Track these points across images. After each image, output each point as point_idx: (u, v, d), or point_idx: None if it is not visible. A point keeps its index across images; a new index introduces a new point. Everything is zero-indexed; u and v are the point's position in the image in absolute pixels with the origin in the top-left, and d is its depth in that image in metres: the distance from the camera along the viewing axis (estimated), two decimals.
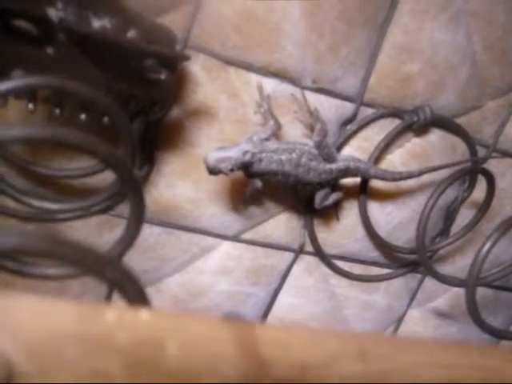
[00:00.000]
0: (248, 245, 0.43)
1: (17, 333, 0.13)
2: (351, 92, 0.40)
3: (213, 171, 0.35)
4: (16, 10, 0.26)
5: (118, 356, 0.14)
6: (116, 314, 0.14)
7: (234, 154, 0.36)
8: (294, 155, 0.37)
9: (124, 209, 0.39)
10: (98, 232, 0.39)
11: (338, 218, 0.44)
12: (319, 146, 0.38)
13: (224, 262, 0.43)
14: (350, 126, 0.41)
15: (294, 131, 0.40)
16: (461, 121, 0.44)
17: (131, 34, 0.29)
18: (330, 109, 0.40)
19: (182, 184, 0.40)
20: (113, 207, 0.37)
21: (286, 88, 0.38)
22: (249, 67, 0.37)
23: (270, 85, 0.38)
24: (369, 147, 0.42)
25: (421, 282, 0.51)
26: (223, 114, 0.38)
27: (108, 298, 0.41)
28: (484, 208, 0.46)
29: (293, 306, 0.47)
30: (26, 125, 0.23)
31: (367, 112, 0.41)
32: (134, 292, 0.17)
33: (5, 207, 0.34)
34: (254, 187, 0.39)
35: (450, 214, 0.48)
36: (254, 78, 0.38)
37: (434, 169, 0.42)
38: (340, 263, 0.46)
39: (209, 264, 0.43)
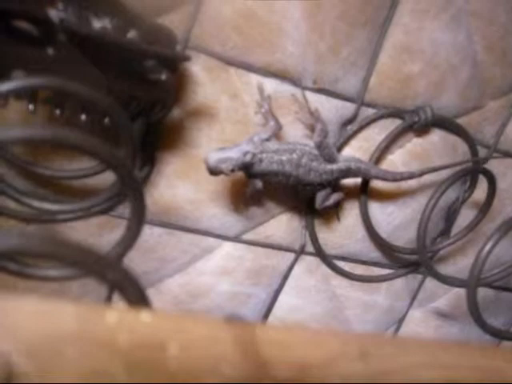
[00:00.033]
0: (249, 245, 0.43)
1: (17, 333, 0.13)
2: (352, 92, 0.40)
3: (213, 172, 0.35)
4: (17, 11, 0.26)
5: (118, 357, 0.14)
6: (117, 315, 0.14)
7: (234, 154, 0.36)
8: (295, 156, 0.37)
9: (124, 209, 0.39)
10: (99, 233, 0.39)
11: (338, 219, 0.44)
12: (320, 146, 0.38)
13: (225, 263, 0.43)
14: (351, 127, 0.41)
15: (295, 132, 0.40)
16: (462, 121, 0.44)
17: (131, 34, 0.29)
18: (331, 109, 0.40)
19: (182, 185, 0.40)
20: (113, 208, 0.37)
21: (287, 88, 0.38)
22: (249, 67, 0.37)
23: (270, 85, 0.38)
24: (369, 147, 0.42)
25: (422, 283, 0.51)
26: (224, 115, 0.38)
27: (108, 299, 0.41)
28: (485, 208, 0.45)
29: (294, 307, 0.47)
30: (27, 125, 0.23)
31: (368, 112, 0.41)
32: (135, 293, 0.17)
33: (5, 208, 0.34)
34: (255, 188, 0.39)
35: (450, 215, 0.48)
36: (255, 78, 0.38)
37: (435, 169, 0.42)
38: (341, 264, 0.46)
39: (209, 265, 0.43)
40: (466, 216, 0.48)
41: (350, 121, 0.41)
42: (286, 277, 0.45)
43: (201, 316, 0.15)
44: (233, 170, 0.35)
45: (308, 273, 0.46)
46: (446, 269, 0.50)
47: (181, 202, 0.40)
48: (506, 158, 0.47)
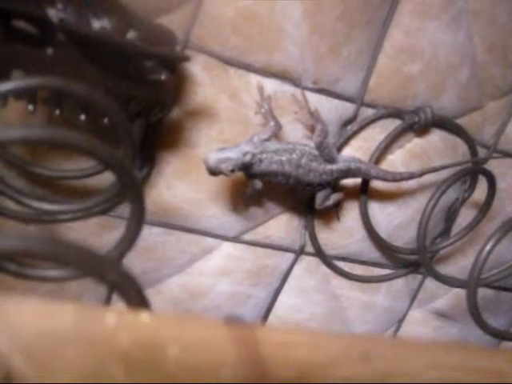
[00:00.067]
0: (248, 246, 0.43)
1: (16, 334, 0.13)
2: (352, 92, 0.40)
3: (213, 172, 0.35)
4: (16, 11, 0.26)
5: (118, 358, 0.14)
6: (116, 317, 0.14)
7: (234, 154, 0.35)
8: (295, 156, 0.37)
9: (124, 210, 0.38)
10: (98, 233, 0.39)
11: (338, 219, 0.44)
12: (320, 146, 0.38)
13: (224, 263, 0.43)
14: (351, 127, 0.41)
15: (295, 132, 0.40)
16: (462, 121, 0.44)
17: (131, 34, 0.29)
18: (331, 109, 0.40)
19: (182, 185, 0.39)
20: (113, 208, 0.37)
21: (287, 89, 0.38)
22: (249, 68, 0.37)
23: (270, 85, 0.38)
24: (369, 148, 0.42)
25: (422, 283, 0.51)
26: (223, 115, 0.38)
27: (108, 299, 0.41)
28: (485, 208, 0.45)
29: (293, 307, 0.47)
30: (26, 125, 0.23)
31: (368, 112, 0.41)
32: (134, 294, 0.17)
33: (4, 208, 0.34)
34: (255, 188, 0.39)
35: (450, 215, 0.48)
36: (255, 78, 0.38)
37: (435, 169, 0.42)
38: (341, 264, 0.46)
39: (209, 265, 0.43)
40: (465, 216, 0.48)
41: (350, 121, 0.41)
42: (285, 277, 0.45)
43: (200, 317, 0.15)
44: (232, 171, 0.35)
45: (308, 273, 0.46)
46: (445, 269, 0.50)
47: (180, 202, 0.40)
48: (506, 158, 0.47)
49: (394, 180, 0.42)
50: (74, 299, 0.41)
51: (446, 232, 0.48)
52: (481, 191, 0.46)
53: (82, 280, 0.37)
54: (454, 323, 0.53)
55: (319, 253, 0.45)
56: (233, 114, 0.38)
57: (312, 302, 0.47)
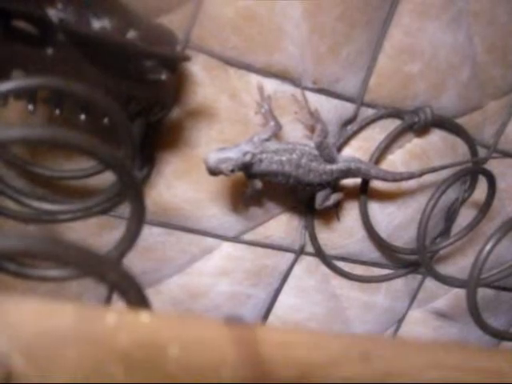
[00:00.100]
0: (248, 246, 0.43)
1: (16, 334, 0.13)
2: (352, 92, 0.40)
3: (213, 172, 0.35)
4: (16, 11, 0.26)
5: (118, 357, 0.14)
6: (116, 316, 0.14)
7: (234, 154, 0.35)
8: (295, 156, 0.37)
9: (124, 210, 0.38)
10: (98, 233, 0.39)
11: (338, 219, 0.44)
12: (320, 146, 0.38)
13: (224, 263, 0.43)
14: (351, 127, 0.41)
15: (295, 132, 0.40)
16: (461, 121, 0.44)
17: (131, 34, 0.29)
18: (331, 109, 0.40)
19: (182, 185, 0.39)
20: (113, 208, 0.37)
21: (287, 89, 0.38)
22: (249, 68, 0.37)
23: (270, 85, 0.38)
24: (369, 148, 0.42)
25: (421, 283, 0.51)
26: (223, 115, 0.38)
27: (108, 299, 0.41)
28: (485, 208, 0.45)
29: (293, 307, 0.47)
30: (26, 125, 0.23)
31: (368, 112, 0.41)
32: (134, 294, 0.17)
33: (4, 208, 0.34)
34: (255, 188, 0.39)
35: (450, 215, 0.48)
36: (255, 78, 0.38)
37: (435, 169, 0.42)
38: (341, 264, 0.46)
39: (209, 265, 0.43)
40: (465, 216, 0.48)
41: (350, 121, 0.41)
42: (285, 277, 0.45)
43: (201, 317, 0.15)
44: (232, 171, 0.35)
45: (308, 273, 0.46)
46: (445, 269, 0.50)
47: (180, 202, 0.40)
48: (506, 158, 0.47)
49: (394, 180, 0.42)
50: (74, 299, 0.41)
51: (445, 232, 0.48)
52: (481, 191, 0.46)
53: (82, 280, 0.37)
54: (453, 323, 0.53)
55: (319, 253, 0.45)
56: (233, 113, 0.38)
57: (312, 302, 0.47)
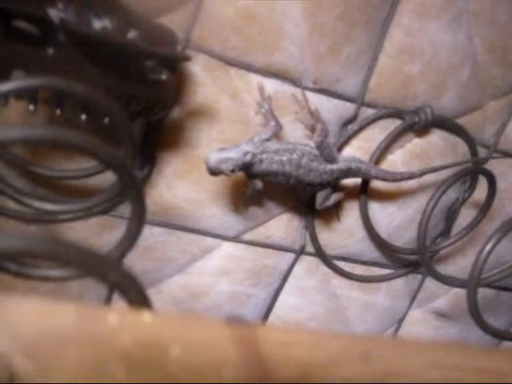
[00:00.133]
0: (249, 245, 0.43)
1: (18, 334, 0.13)
2: (352, 92, 0.40)
3: (214, 172, 0.35)
4: (17, 11, 0.26)
5: (119, 357, 0.14)
6: (118, 316, 0.14)
7: (234, 154, 0.35)
8: (295, 156, 0.37)
9: (125, 210, 0.38)
10: (99, 233, 0.39)
11: (338, 219, 0.44)
12: (320, 146, 0.38)
13: (225, 263, 0.43)
14: (351, 127, 0.41)
15: (295, 132, 0.40)
16: (462, 121, 0.44)
17: (132, 34, 0.29)
18: (331, 109, 0.40)
19: (182, 185, 0.40)
20: (113, 208, 0.37)
21: (287, 89, 0.38)
22: (250, 68, 0.37)
23: (270, 85, 0.38)
24: (370, 148, 0.42)
25: (422, 283, 0.51)
26: (224, 115, 0.38)
27: (108, 299, 0.41)
28: (485, 208, 0.46)
29: (294, 307, 0.47)
30: (27, 125, 0.23)
31: (368, 112, 0.41)
32: (136, 294, 0.17)
33: (5, 208, 0.34)
34: (255, 188, 0.39)
35: (451, 215, 0.48)
36: (255, 78, 0.38)
37: (435, 169, 0.42)
38: (341, 264, 0.46)
39: (209, 265, 0.43)
40: (466, 216, 0.48)
41: (351, 121, 0.41)
42: (286, 277, 0.45)
43: (202, 317, 0.15)
44: (233, 171, 0.35)
45: (308, 273, 0.46)
46: (446, 269, 0.50)
47: (181, 202, 0.40)
48: (506, 158, 0.47)
49: (394, 180, 0.42)
50: (75, 299, 0.41)
51: (446, 232, 0.48)
52: (481, 191, 0.46)
53: (82, 280, 0.37)
54: (453, 323, 0.53)
55: (319, 253, 0.45)
56: (233, 114, 0.38)
57: (312, 302, 0.47)
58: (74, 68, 0.28)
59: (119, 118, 0.28)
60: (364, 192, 0.43)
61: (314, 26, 0.36)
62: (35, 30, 0.26)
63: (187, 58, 0.33)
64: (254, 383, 0.14)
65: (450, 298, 0.52)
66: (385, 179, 0.42)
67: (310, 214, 0.43)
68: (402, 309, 0.51)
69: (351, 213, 0.44)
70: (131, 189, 0.23)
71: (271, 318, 0.47)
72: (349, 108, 0.40)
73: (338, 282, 0.47)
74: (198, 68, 0.36)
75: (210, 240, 0.42)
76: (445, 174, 0.43)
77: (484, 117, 0.45)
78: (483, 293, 0.51)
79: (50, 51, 0.27)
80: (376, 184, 0.44)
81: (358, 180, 0.42)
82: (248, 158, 0.36)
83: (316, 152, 0.38)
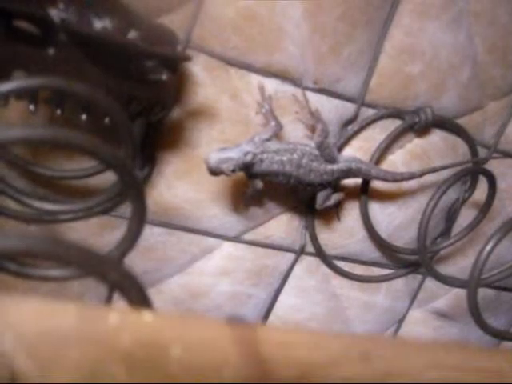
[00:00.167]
0: (249, 245, 0.43)
1: (19, 334, 0.13)
2: (352, 93, 0.40)
3: (214, 172, 0.35)
4: (17, 11, 0.26)
5: (120, 357, 0.14)
6: (119, 316, 0.14)
7: (235, 154, 0.35)
8: (296, 156, 0.37)
9: (125, 210, 0.38)
10: (99, 233, 0.39)
11: (339, 219, 0.44)
12: (320, 146, 0.38)
13: (225, 263, 0.43)
14: (352, 127, 0.41)
15: (296, 132, 0.40)
16: (462, 121, 0.44)
17: (132, 34, 0.29)
18: (332, 109, 0.40)
19: (182, 185, 0.40)
20: (114, 208, 0.37)
21: (288, 89, 0.38)
22: (250, 68, 0.37)
23: (271, 85, 0.38)
24: (370, 148, 0.42)
25: (422, 283, 0.51)
26: (224, 115, 0.38)
27: (108, 299, 0.41)
28: (485, 208, 0.46)
29: (294, 307, 0.47)
30: (27, 126, 0.23)
31: (368, 113, 0.41)
32: (136, 294, 0.17)
33: (5, 208, 0.34)
34: (255, 188, 0.39)
35: (451, 215, 0.48)
36: (256, 78, 0.38)
37: (436, 169, 0.42)
38: (341, 264, 0.46)
39: (210, 265, 0.43)
40: (466, 216, 0.48)
41: (351, 121, 0.41)
42: (286, 277, 0.45)
43: (202, 317, 0.15)
44: (233, 171, 0.35)
45: (308, 273, 0.46)
46: (446, 269, 0.50)
47: (181, 202, 0.40)
48: (506, 159, 0.47)
49: (395, 180, 0.42)
50: (76, 299, 0.41)
51: (446, 232, 0.48)
52: (481, 191, 0.46)
53: (83, 280, 0.37)
54: (454, 323, 0.53)
55: (319, 253, 0.45)
56: (234, 114, 0.38)
57: (312, 302, 0.47)
58: (75, 68, 0.28)
59: (119, 118, 0.28)
60: (364, 192, 0.43)
61: (314, 26, 0.36)
62: (36, 30, 0.26)
63: (187, 58, 0.33)
64: (254, 383, 0.14)
65: (450, 298, 0.52)
66: (385, 179, 0.42)
67: (310, 214, 0.43)
68: (402, 309, 0.51)
69: (351, 213, 0.44)
70: (132, 189, 0.23)
71: (271, 317, 0.47)
72: (349, 108, 0.40)
73: (338, 281, 0.47)
74: (199, 68, 0.36)
75: (210, 240, 0.42)
76: (445, 174, 0.43)
77: (484, 117, 0.45)
78: (483, 293, 0.51)
79: (51, 51, 0.27)
80: (376, 184, 0.44)
81: (359, 180, 0.42)
82: (248, 157, 0.36)
83: (316, 152, 0.38)
